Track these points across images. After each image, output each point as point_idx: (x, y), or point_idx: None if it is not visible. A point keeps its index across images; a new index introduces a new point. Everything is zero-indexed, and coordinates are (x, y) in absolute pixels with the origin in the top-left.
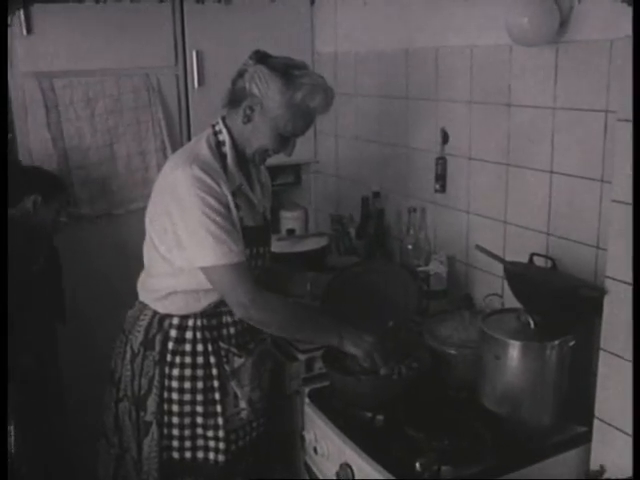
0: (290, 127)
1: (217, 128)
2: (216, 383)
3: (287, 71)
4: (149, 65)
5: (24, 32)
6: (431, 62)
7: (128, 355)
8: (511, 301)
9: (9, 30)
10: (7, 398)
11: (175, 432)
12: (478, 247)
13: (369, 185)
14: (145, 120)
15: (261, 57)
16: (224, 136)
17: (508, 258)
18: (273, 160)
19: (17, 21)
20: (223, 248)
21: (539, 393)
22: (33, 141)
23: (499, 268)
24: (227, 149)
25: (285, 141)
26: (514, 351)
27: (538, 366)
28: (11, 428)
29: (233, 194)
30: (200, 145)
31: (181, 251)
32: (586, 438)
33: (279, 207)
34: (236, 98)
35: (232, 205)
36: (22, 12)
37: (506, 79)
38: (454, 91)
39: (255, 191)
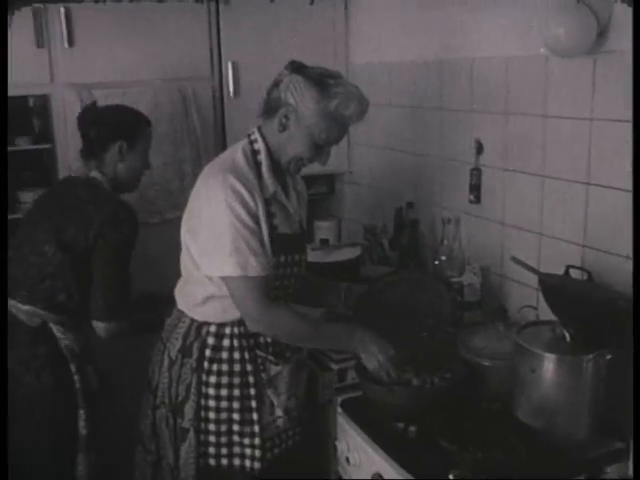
0: (324, 135)
1: (253, 137)
2: (253, 391)
3: (322, 80)
4: (185, 76)
5: (65, 45)
6: (466, 73)
7: (166, 362)
8: (546, 313)
9: (51, 42)
10: (7, 398)
11: (212, 439)
12: (513, 259)
13: (403, 195)
14: (181, 130)
15: (297, 67)
16: (259, 145)
17: (543, 270)
18: (307, 170)
19: (59, 34)
20: (241, 260)
21: (575, 407)
22: (72, 151)
23: (534, 280)
24: (262, 157)
25: (320, 150)
26: (549, 364)
27: (574, 380)
28: None
29: (267, 202)
30: (236, 154)
31: (206, 258)
32: (624, 455)
33: (312, 217)
34: (271, 107)
35: (263, 214)
36: (65, 25)
37: (542, 90)
38: (489, 102)
39: (291, 199)
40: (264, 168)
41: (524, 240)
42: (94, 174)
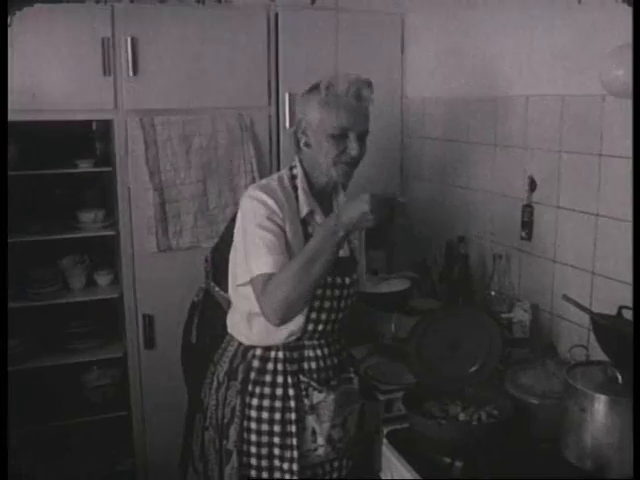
0: (335, 122)
1: (293, 164)
2: (293, 416)
3: (314, 85)
4: (243, 105)
5: (130, 73)
6: (521, 110)
7: (214, 384)
8: (596, 353)
9: (117, 70)
10: (7, 398)
11: (253, 462)
12: (565, 297)
13: (454, 229)
14: (237, 157)
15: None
16: (297, 170)
17: (595, 309)
18: None
19: (125, 62)
20: (269, 259)
21: (625, 450)
22: (132, 175)
23: (585, 319)
24: (299, 181)
25: (342, 141)
26: (600, 405)
27: (625, 422)
28: None
29: (304, 222)
30: (271, 179)
31: (243, 267)
32: None
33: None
34: (296, 136)
35: (289, 234)
36: (130, 54)
37: (598, 129)
38: (543, 139)
39: None
40: (300, 190)
41: (576, 278)
42: None
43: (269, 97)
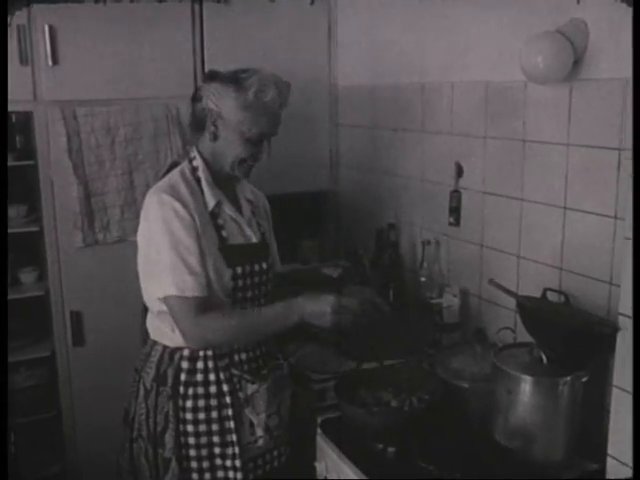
0: (255, 129)
1: (191, 155)
2: (230, 411)
3: (236, 77)
4: (168, 94)
5: (49, 62)
6: (447, 97)
7: (141, 393)
8: (524, 335)
9: (34, 60)
10: (7, 398)
11: (194, 465)
12: (491, 282)
13: (384, 217)
14: (164, 149)
15: (212, 75)
16: (198, 161)
17: (521, 292)
18: (290, 188)
19: (43, 51)
20: (178, 279)
21: (551, 428)
22: (55, 168)
23: (512, 302)
24: (200, 172)
25: (257, 146)
26: (526, 386)
27: (550, 402)
28: None
29: (213, 215)
30: (173, 174)
31: (148, 280)
32: (598, 476)
33: (295, 236)
34: (200, 121)
35: (208, 228)
36: (49, 43)
37: (521, 115)
38: (469, 125)
39: (242, 209)
40: (203, 182)
41: (503, 262)
42: None
43: (195, 85)
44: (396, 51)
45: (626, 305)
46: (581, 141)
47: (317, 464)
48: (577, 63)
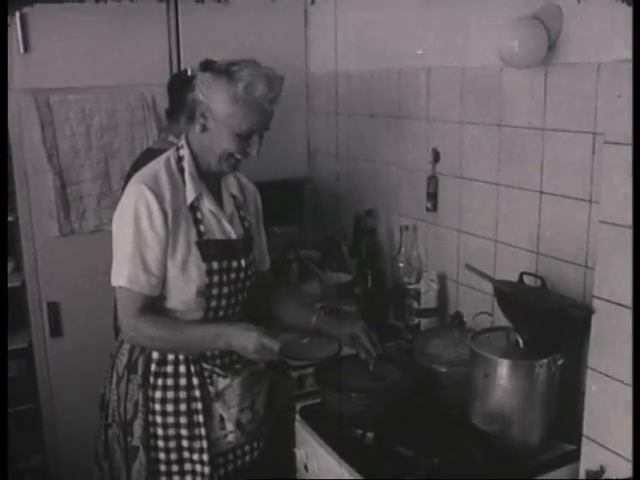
0: (244, 125)
1: (180, 144)
2: (199, 405)
3: (227, 69)
4: (144, 82)
5: (21, 50)
6: (423, 82)
7: (114, 379)
8: (501, 320)
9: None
10: (7, 398)
11: (162, 456)
12: (468, 267)
13: (362, 203)
14: (140, 137)
15: (206, 65)
16: (184, 151)
17: (498, 276)
18: (267, 176)
19: (14, 39)
20: (132, 272)
21: (528, 411)
22: (28, 157)
23: (490, 286)
24: (185, 163)
25: (246, 141)
26: (503, 369)
27: (527, 384)
28: None
29: (192, 207)
30: (159, 163)
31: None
32: (574, 456)
33: (273, 224)
34: (190, 112)
35: (172, 224)
36: (20, 30)
37: (497, 100)
38: (445, 111)
39: (224, 204)
40: (186, 174)
41: (480, 247)
42: None
43: (171, 73)
44: (372, 37)
45: (600, 288)
46: (556, 125)
47: (297, 451)
48: (552, 48)
